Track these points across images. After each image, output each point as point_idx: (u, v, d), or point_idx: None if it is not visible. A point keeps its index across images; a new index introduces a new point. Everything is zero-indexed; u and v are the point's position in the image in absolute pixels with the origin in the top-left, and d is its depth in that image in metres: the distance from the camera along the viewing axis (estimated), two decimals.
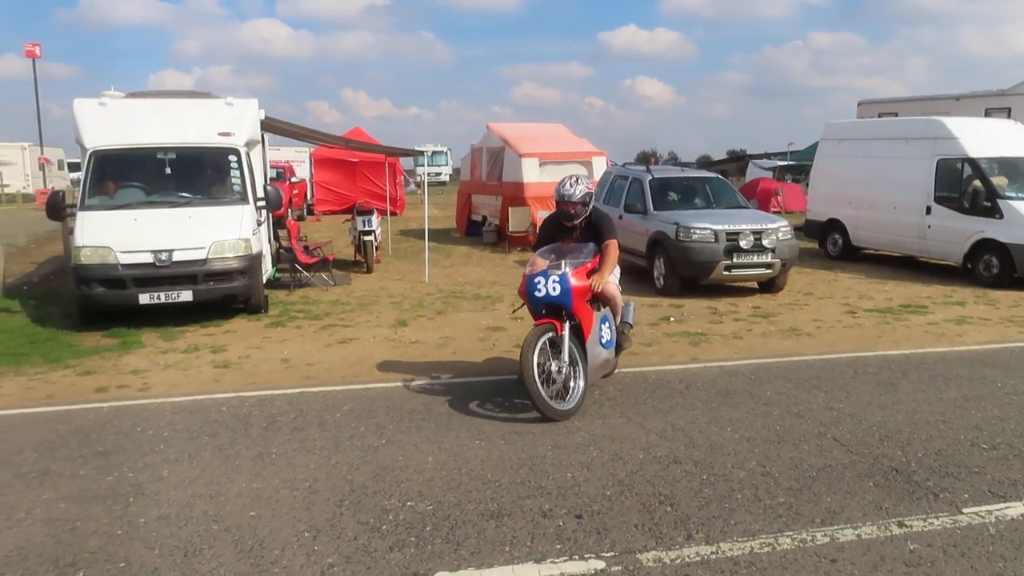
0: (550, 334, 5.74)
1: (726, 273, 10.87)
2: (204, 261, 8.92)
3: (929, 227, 12.82)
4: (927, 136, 13.16)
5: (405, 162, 29.59)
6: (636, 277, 12.28)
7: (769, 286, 11.39)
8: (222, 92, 11.58)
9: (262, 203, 10.11)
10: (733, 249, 10.75)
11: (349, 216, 15.43)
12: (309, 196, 26.23)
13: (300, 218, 22.35)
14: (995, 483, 4.54)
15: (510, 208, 16.75)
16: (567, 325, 5.79)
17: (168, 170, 10.00)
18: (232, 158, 10.08)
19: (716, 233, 10.80)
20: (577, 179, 6.20)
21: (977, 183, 12.17)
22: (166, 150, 10.03)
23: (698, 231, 10.89)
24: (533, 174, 16.90)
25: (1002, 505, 4.26)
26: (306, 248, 12.50)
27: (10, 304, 10.36)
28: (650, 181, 12.47)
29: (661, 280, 11.36)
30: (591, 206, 6.24)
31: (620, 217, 12.74)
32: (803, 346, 8.09)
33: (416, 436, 5.36)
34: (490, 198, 18.55)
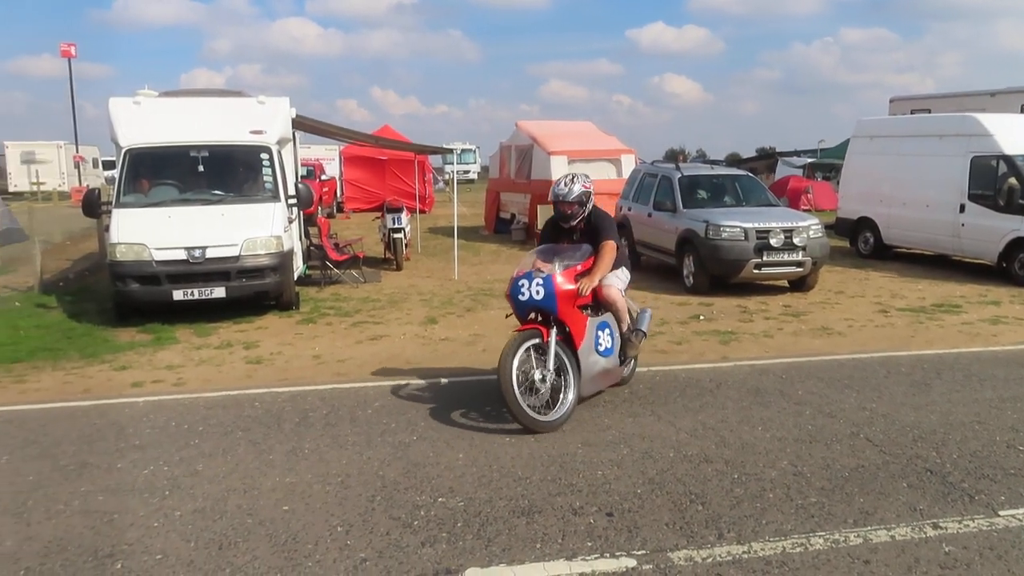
0: (534, 340, 5.46)
1: (756, 271, 10.79)
2: (236, 258, 9.03)
3: (963, 225, 12.62)
4: (961, 133, 12.95)
5: (434, 160, 29.71)
6: (665, 275, 12.27)
7: (800, 285, 11.29)
8: (253, 91, 11.77)
9: (293, 201, 10.21)
10: (763, 247, 10.66)
11: (378, 214, 15.53)
12: (339, 194, 26.44)
13: (330, 216, 22.54)
14: None
15: (539, 206, 16.72)
16: (553, 331, 5.49)
17: (201, 168, 10.14)
18: (264, 156, 10.20)
19: (746, 231, 10.72)
20: (573, 178, 5.95)
21: (1013, 181, 11.94)
22: (199, 148, 10.17)
23: (728, 229, 10.81)
24: (561, 172, 16.80)
25: None
26: (336, 245, 12.61)
27: (47, 300, 10.57)
28: (679, 179, 12.41)
29: (690, 278, 11.30)
30: (589, 206, 5.94)
31: (649, 215, 12.73)
32: (835, 345, 8.01)
33: (447, 433, 5.39)
34: (519, 196, 18.56)
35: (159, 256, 8.86)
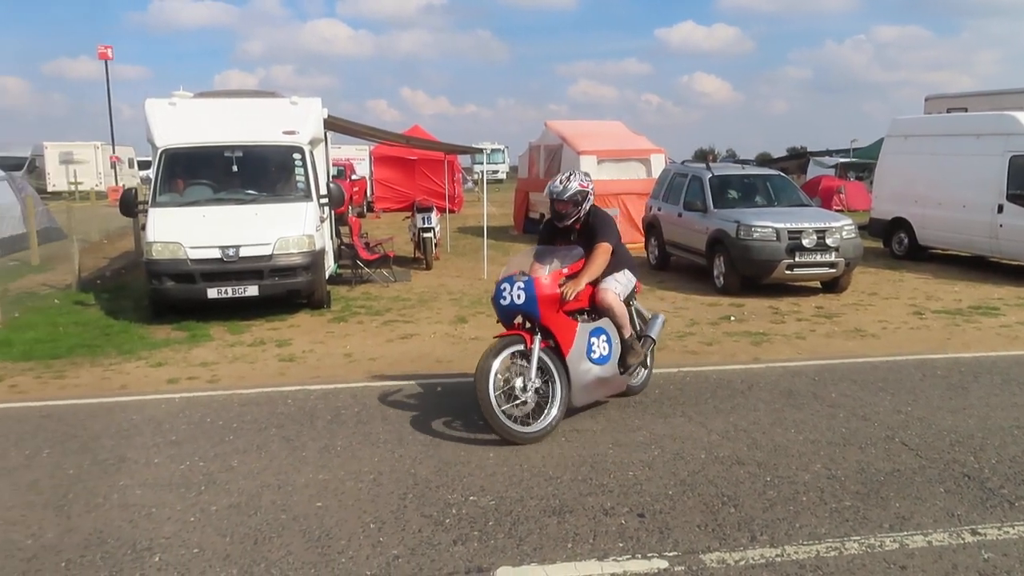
0: (517, 347, 5.22)
1: (788, 272, 10.68)
2: (269, 257, 9.14)
3: (1001, 226, 12.38)
4: (999, 132, 12.70)
5: (463, 160, 29.79)
6: (695, 275, 12.20)
7: (832, 286, 11.16)
8: (285, 91, 11.90)
9: (325, 200, 10.30)
10: (795, 248, 10.56)
11: (408, 214, 15.62)
12: (369, 194, 26.62)
13: (360, 215, 22.71)
14: None
15: None
16: (537, 337, 5.24)
17: (235, 168, 10.28)
18: (296, 156, 10.31)
19: (778, 231, 10.62)
20: (570, 176, 5.71)
21: None
22: (233, 148, 10.31)
23: (759, 229, 10.72)
24: (591, 172, 16.82)
25: None
26: (367, 245, 12.71)
27: (85, 297, 10.78)
28: (710, 179, 12.33)
29: (721, 279, 11.22)
30: (585, 206, 5.66)
31: (679, 215, 12.66)
32: (868, 347, 7.91)
33: (477, 431, 5.40)
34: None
35: (194, 255, 8.99)
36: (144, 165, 39.91)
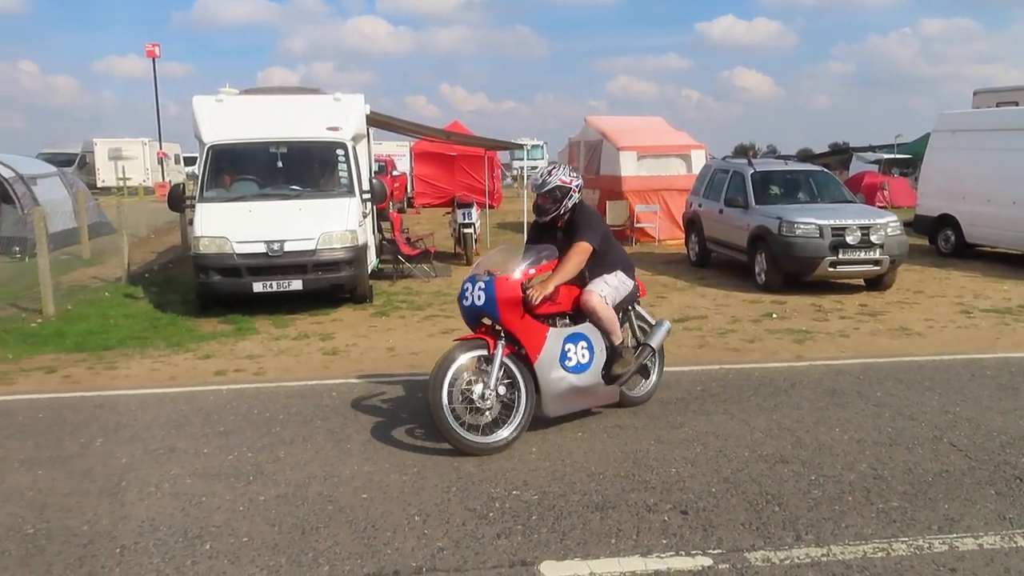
0: (479, 351, 4.96)
1: (831, 269, 10.53)
2: (313, 251, 9.27)
3: None
4: None
5: (501, 156, 29.84)
6: (736, 272, 12.10)
7: (877, 283, 10.98)
8: (326, 88, 12.00)
9: (367, 196, 10.41)
10: (839, 245, 10.40)
11: (448, 209, 15.71)
12: (409, 189, 26.83)
13: (401, 211, 22.89)
14: None
15: (608, 202, 16.69)
16: (501, 342, 4.95)
17: (280, 163, 10.45)
18: (339, 152, 10.44)
19: (821, 228, 10.48)
20: (552, 169, 5.42)
21: None
22: (278, 144, 10.49)
23: (802, 226, 10.59)
24: (631, 168, 16.81)
25: None
26: (408, 240, 12.81)
27: (134, 291, 11.04)
28: (752, 174, 12.21)
29: (762, 276, 11.11)
30: (567, 203, 5.32)
31: (720, 211, 12.55)
32: (914, 346, 7.77)
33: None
34: (587, 191, 18.46)
35: (240, 249, 9.16)
36: (190, 161, 40.68)
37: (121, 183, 32.38)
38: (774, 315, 9.31)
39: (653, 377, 5.95)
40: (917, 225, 15.12)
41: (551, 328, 5.13)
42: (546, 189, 5.31)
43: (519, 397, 5.04)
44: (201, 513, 4.21)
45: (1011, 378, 6.55)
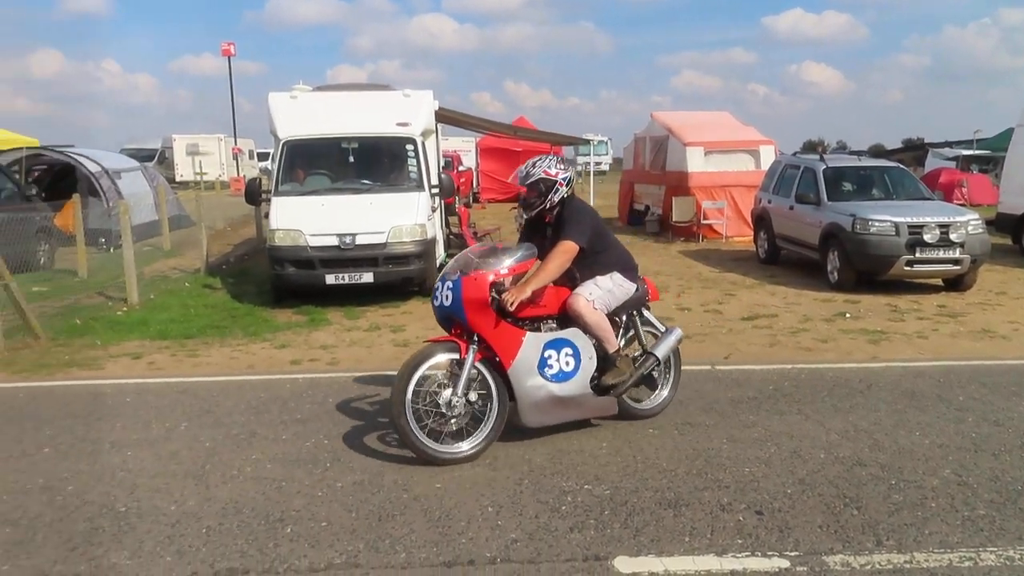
0: (449, 355, 4.72)
1: (908, 268, 10.22)
2: (384, 245, 9.43)
3: None
4: None
5: (565, 152, 29.80)
6: (807, 270, 11.85)
7: (956, 284, 10.61)
8: (395, 85, 12.17)
9: (436, 190, 10.54)
10: (916, 243, 10.08)
11: (515, 204, 15.74)
12: (475, 184, 27.03)
13: (467, 205, 23.10)
14: None
15: (674, 198, 16.53)
16: (472, 346, 4.69)
17: (351, 158, 10.66)
18: (409, 147, 10.59)
19: (897, 226, 10.18)
20: (536, 161, 5.09)
21: None
22: (350, 140, 10.69)
23: (877, 223, 10.30)
24: (698, 163, 16.59)
25: None
26: (475, 234, 12.91)
27: (212, 281, 11.42)
28: (824, 170, 11.93)
29: (835, 274, 10.84)
30: (552, 197, 4.99)
31: (790, 208, 12.30)
32: (998, 349, 7.50)
33: (588, 422, 5.44)
34: (653, 187, 18.36)
35: (313, 242, 9.37)
36: (263, 156, 41.67)
37: (198, 177, 33.39)
38: (847, 315, 9.09)
39: (665, 391, 5.55)
40: (999, 224, 14.55)
41: (527, 332, 4.80)
42: (529, 181, 5.01)
43: (490, 408, 4.79)
44: (281, 497, 4.34)
45: None
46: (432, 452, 4.68)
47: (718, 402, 5.85)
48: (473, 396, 4.76)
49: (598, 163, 47.59)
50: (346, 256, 9.37)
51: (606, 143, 47.48)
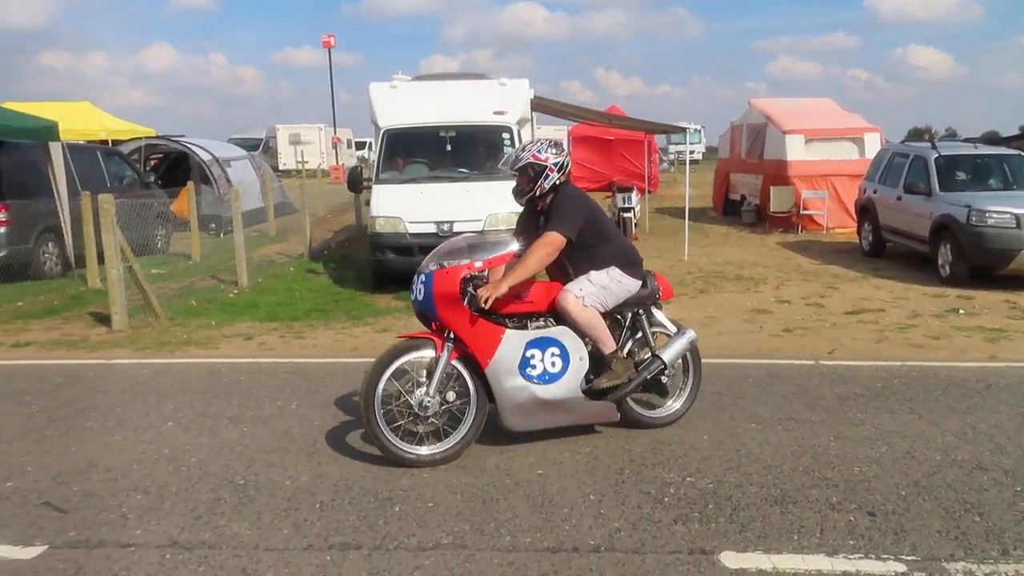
0: (425, 352, 4.53)
1: None
2: (481, 233, 9.53)
3: None
4: None
5: (658, 140, 29.39)
6: (916, 264, 11.37)
7: None
8: (489, 74, 12.25)
9: None
10: None
11: (607, 193, 15.69)
12: None
13: None
14: None
15: (772, 187, 16.09)
16: (447, 344, 4.49)
17: (449, 147, 10.82)
18: (505, 135, 10.68)
19: (1018, 218, 9.63)
20: (527, 145, 4.80)
21: None
22: (447, 128, 10.84)
23: (995, 215, 9.78)
24: (798, 152, 16.08)
25: None
26: None
27: (315, 266, 11.83)
28: (936, 159, 11.38)
29: (947, 268, 10.36)
30: (545, 184, 4.66)
31: (898, 198, 11.80)
32: None
33: (690, 413, 5.38)
34: (750, 177, 17.91)
35: (412, 229, 9.57)
36: (360, 145, 42.70)
37: (299, 166, 34.54)
38: (961, 311, 8.67)
39: (678, 402, 5.21)
40: None
41: (507, 330, 4.55)
42: (518, 166, 4.68)
43: (468, 410, 4.60)
44: (389, 477, 4.46)
45: None
46: (421, 458, 4.55)
47: (823, 398, 5.70)
48: (451, 396, 4.57)
49: (692, 151, 46.89)
50: None
51: (700, 131, 46.62)
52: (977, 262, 9.99)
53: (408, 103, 11.03)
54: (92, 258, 10.35)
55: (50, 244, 11.16)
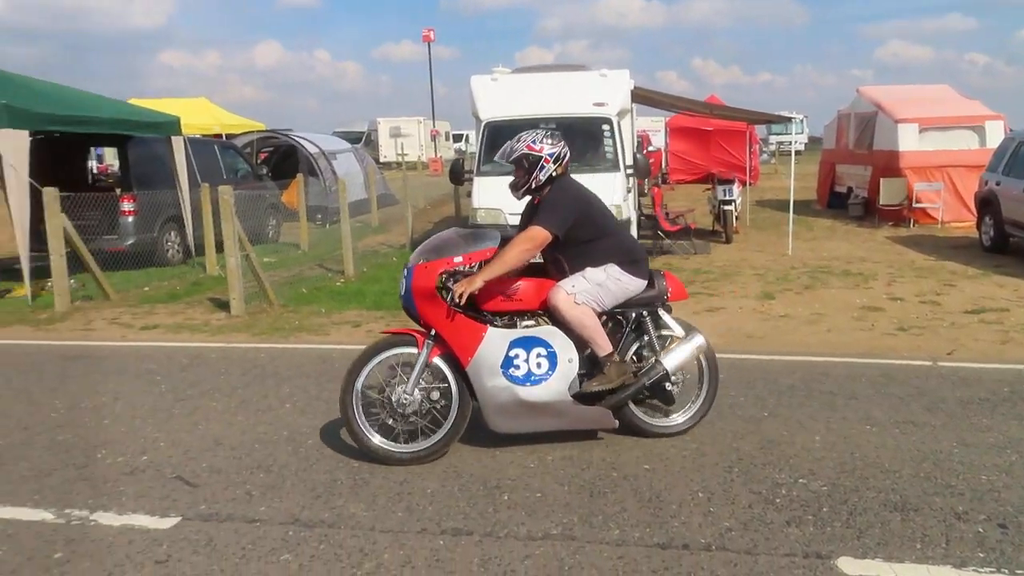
0: (406, 348, 4.46)
1: None
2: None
3: None
4: None
5: (758, 130, 28.65)
6: None
7: None
8: (588, 65, 12.17)
9: (631, 171, 10.49)
10: None
11: (707, 185, 15.40)
12: (664, 165, 26.67)
13: (656, 185, 22.87)
14: None
15: (882, 179, 15.41)
16: (428, 341, 4.40)
17: None
18: (605, 127, 10.62)
19: None
20: (521, 136, 4.58)
21: None
22: (547, 120, 10.83)
23: None
24: (911, 142, 15.33)
25: None
26: (667, 215, 12.76)
27: None
28: None
29: None
30: (540, 176, 4.49)
31: None
32: None
33: (799, 412, 5.27)
34: (858, 168, 17.22)
35: (512, 220, 9.61)
36: (456, 138, 43.33)
37: (400, 158, 35.36)
38: None
39: (682, 416, 4.91)
40: None
41: (489, 328, 4.41)
42: (513, 158, 4.52)
43: (451, 405, 4.48)
44: (497, 465, 4.53)
45: None
46: (402, 455, 4.50)
47: (944, 401, 5.45)
48: (435, 394, 4.48)
49: (795, 142, 45.44)
50: None
51: (802, 121, 45.15)
52: None
53: (508, 95, 11.11)
54: (211, 246, 10.93)
55: (172, 233, 11.85)
